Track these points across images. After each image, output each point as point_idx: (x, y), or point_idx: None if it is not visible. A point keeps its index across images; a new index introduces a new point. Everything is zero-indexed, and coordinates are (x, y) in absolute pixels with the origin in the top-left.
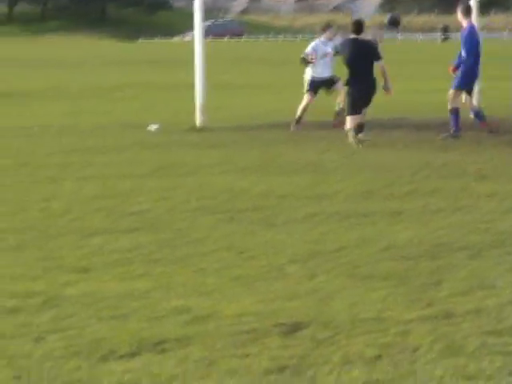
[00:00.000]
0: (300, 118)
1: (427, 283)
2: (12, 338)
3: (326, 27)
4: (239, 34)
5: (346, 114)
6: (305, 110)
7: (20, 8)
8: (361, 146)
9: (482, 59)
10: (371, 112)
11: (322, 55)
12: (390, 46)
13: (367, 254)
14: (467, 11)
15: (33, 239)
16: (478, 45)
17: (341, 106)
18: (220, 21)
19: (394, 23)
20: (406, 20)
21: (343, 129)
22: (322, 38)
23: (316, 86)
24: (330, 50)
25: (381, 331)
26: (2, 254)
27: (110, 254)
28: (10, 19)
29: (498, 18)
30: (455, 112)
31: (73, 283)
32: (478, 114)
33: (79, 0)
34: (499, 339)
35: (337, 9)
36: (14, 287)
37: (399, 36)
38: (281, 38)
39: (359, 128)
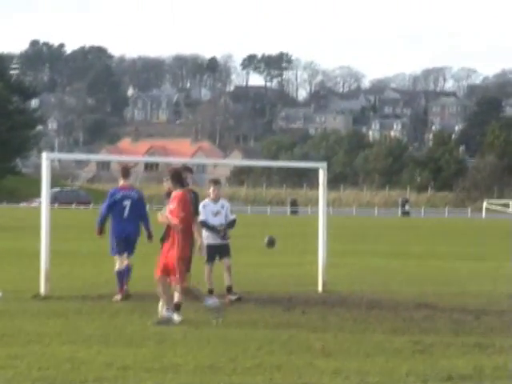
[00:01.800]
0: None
1: None
2: None
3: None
4: (86, 202)
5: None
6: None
7: None
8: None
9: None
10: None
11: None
12: (242, 217)
13: None
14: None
15: None
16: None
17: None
18: (67, 188)
19: (272, 243)
20: (254, 193)
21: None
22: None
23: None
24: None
25: None
26: None
27: None
28: None
29: (346, 194)
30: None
31: None
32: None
33: None
34: None
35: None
36: None
37: (249, 209)
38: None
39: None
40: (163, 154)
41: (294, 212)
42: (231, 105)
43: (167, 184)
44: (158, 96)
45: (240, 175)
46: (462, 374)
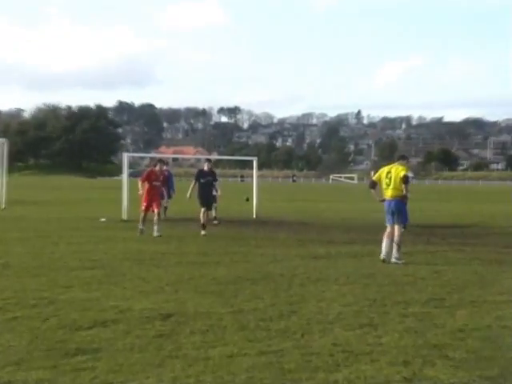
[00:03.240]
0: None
1: (231, 296)
2: None
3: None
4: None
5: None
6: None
7: None
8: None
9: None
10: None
11: None
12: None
13: (204, 281)
14: None
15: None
16: None
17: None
18: (134, 170)
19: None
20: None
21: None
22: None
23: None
24: None
25: (208, 318)
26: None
27: None
28: None
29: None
30: None
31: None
32: None
33: None
34: (267, 323)
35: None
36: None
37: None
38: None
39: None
40: (180, 153)
41: (242, 180)
42: (212, 131)
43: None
44: (178, 127)
45: (217, 162)
46: (320, 255)
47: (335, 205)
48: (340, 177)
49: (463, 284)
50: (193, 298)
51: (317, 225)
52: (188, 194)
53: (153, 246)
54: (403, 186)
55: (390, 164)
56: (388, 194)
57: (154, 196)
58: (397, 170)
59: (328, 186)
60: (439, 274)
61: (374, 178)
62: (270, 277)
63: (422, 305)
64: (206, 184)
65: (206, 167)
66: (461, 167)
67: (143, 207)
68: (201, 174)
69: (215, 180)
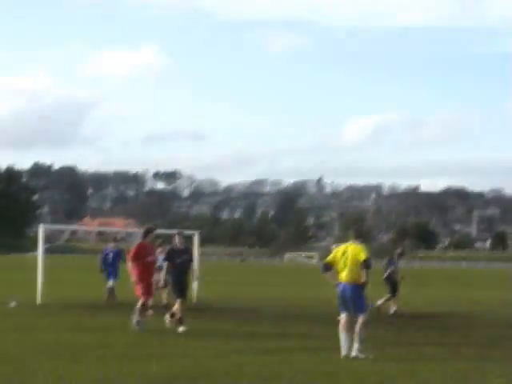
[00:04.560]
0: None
1: None
2: None
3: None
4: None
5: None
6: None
7: None
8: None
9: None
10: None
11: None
12: None
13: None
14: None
15: None
16: None
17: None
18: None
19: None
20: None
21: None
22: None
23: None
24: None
25: None
26: None
27: None
28: None
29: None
30: None
31: None
32: None
33: None
34: None
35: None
36: None
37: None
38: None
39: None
40: (107, 226)
41: None
42: (145, 199)
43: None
44: (105, 194)
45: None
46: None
47: (291, 289)
48: (299, 255)
49: None
50: None
51: (269, 313)
52: (162, 280)
53: (73, 336)
54: (363, 271)
55: (346, 242)
56: (343, 277)
57: (149, 277)
58: (354, 251)
59: (283, 267)
60: (413, 372)
61: (327, 260)
62: (213, 375)
63: None
64: (182, 265)
65: (178, 243)
66: (440, 245)
67: (142, 292)
68: (174, 252)
69: (191, 260)
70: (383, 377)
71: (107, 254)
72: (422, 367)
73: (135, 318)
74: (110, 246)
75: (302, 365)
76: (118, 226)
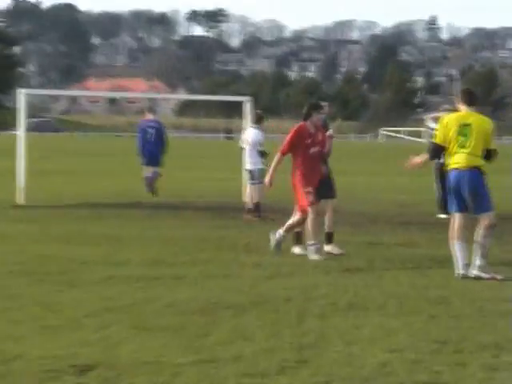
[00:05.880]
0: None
1: (198, 334)
2: None
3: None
4: (57, 131)
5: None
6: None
7: None
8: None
9: None
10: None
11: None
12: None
13: (152, 310)
14: None
15: None
16: None
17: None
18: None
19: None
20: (195, 122)
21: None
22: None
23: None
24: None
25: (157, 373)
26: None
27: None
28: None
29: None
30: None
31: None
32: None
33: None
34: (254, 380)
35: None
36: None
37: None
38: (96, 134)
39: None
40: (122, 90)
41: (228, 138)
42: (178, 51)
43: None
44: (118, 44)
45: (185, 108)
46: (357, 267)
47: (387, 179)
48: (398, 131)
49: None
50: (130, 339)
51: (352, 213)
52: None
53: (67, 248)
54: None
55: (460, 110)
56: (460, 160)
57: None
58: (482, 124)
59: (378, 147)
60: None
61: (438, 142)
62: (268, 302)
63: None
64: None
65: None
66: None
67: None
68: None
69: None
70: None
71: (146, 131)
72: None
73: (279, 236)
74: (150, 119)
75: (397, 287)
76: (138, 90)
